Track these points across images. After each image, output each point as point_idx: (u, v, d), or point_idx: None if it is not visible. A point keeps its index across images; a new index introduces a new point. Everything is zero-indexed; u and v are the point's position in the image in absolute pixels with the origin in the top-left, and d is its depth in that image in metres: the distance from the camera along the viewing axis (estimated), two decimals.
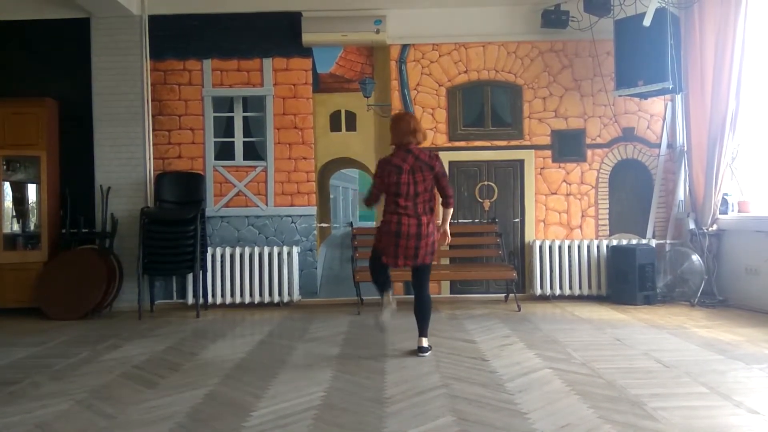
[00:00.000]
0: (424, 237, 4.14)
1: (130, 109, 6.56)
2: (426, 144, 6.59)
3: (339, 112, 6.73)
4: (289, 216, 6.67)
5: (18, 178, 6.46)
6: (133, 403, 3.33)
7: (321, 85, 6.69)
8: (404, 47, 6.67)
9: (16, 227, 6.49)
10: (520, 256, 6.63)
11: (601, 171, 6.68)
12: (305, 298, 6.63)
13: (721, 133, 5.87)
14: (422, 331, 4.31)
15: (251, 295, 6.49)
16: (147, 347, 4.71)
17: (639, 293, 6.13)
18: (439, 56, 6.69)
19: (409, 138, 4.17)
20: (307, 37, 6.45)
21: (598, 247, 6.53)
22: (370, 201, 4.34)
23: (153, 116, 6.61)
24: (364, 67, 6.71)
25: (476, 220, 6.68)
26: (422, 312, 4.30)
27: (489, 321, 5.51)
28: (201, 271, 6.26)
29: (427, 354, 4.27)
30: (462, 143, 6.69)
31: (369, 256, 4.44)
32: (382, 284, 4.36)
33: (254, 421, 3.01)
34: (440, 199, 4.34)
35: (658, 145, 6.66)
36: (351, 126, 6.71)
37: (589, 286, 6.52)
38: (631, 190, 6.68)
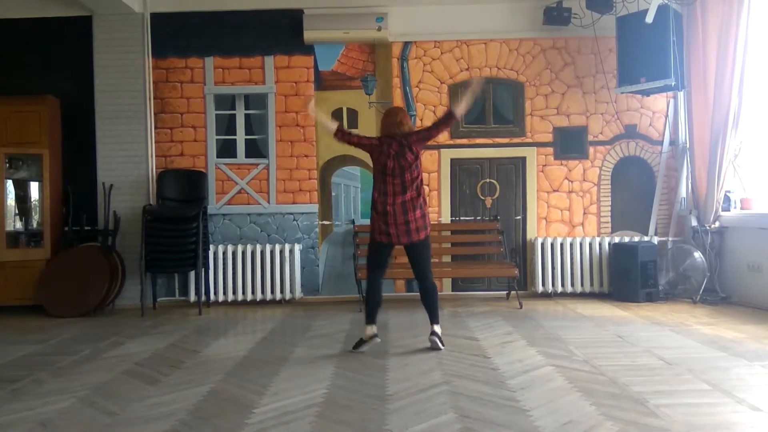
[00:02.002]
0: (411, 211, 4.25)
1: (132, 106, 6.56)
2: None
3: (341, 109, 6.72)
4: (291, 213, 6.67)
5: (20, 175, 6.47)
6: (135, 401, 3.33)
7: (323, 82, 6.69)
8: (406, 44, 6.66)
9: (18, 225, 6.50)
10: (521, 253, 6.62)
11: (603, 168, 6.67)
12: (307, 295, 6.63)
13: (723, 130, 5.85)
14: (432, 319, 4.37)
15: (253, 292, 6.50)
16: (149, 344, 4.71)
17: (641, 290, 6.12)
18: (441, 53, 6.68)
19: (394, 129, 4.36)
20: (308, 35, 6.44)
21: (600, 244, 6.52)
22: (342, 135, 4.40)
23: (155, 114, 6.62)
24: (366, 65, 6.70)
25: (478, 218, 6.67)
26: (427, 300, 4.37)
27: (491, 318, 5.51)
28: (203, 269, 6.27)
29: (439, 343, 4.27)
30: (464, 141, 6.68)
31: (367, 252, 4.51)
32: (371, 305, 4.35)
33: (256, 418, 3.01)
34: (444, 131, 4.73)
35: (661, 142, 6.65)
36: (353, 123, 6.70)
37: (591, 284, 6.52)
38: (634, 188, 6.66)
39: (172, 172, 6.56)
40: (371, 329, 4.33)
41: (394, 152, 4.26)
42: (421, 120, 6.63)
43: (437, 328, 4.36)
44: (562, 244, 6.53)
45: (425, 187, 4.56)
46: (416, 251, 4.35)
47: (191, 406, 3.21)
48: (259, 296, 6.50)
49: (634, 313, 5.60)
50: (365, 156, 6.60)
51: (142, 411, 3.17)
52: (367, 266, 4.48)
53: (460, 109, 4.33)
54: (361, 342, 4.33)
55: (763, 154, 6.02)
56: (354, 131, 4.56)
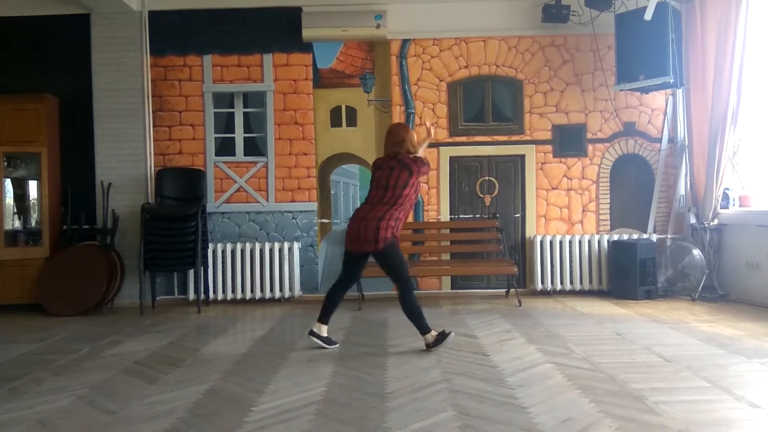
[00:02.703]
0: (369, 221, 4.13)
1: (130, 105, 6.56)
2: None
3: (339, 107, 6.71)
4: (290, 212, 6.67)
5: (19, 174, 6.46)
6: (134, 399, 3.33)
7: (321, 80, 6.68)
8: (405, 42, 6.65)
9: (17, 224, 6.49)
10: (520, 251, 6.63)
11: (602, 166, 6.67)
12: (306, 293, 6.63)
13: (722, 128, 5.85)
14: (419, 331, 4.26)
15: (252, 290, 6.50)
16: (148, 343, 4.71)
17: (640, 288, 6.13)
18: (440, 51, 6.67)
19: (396, 148, 4.33)
20: (307, 33, 6.43)
21: (599, 242, 6.52)
22: None
23: (153, 112, 6.61)
24: (365, 63, 6.69)
25: (477, 216, 6.67)
26: (406, 316, 4.26)
27: (490, 316, 5.51)
28: (202, 267, 6.26)
29: (433, 349, 4.21)
30: (463, 138, 6.68)
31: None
32: (329, 302, 4.40)
33: (255, 416, 3.01)
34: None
35: (659, 140, 6.65)
36: (351, 121, 6.70)
37: (590, 281, 6.52)
38: (632, 185, 6.67)
39: (171, 170, 6.55)
40: (320, 328, 4.37)
41: (388, 166, 4.28)
42: (420, 117, 6.63)
43: (426, 338, 4.21)
44: (561, 242, 6.54)
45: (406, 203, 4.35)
46: (377, 260, 4.26)
47: (191, 405, 3.21)
48: (258, 294, 6.50)
49: (633, 311, 5.60)
50: (365, 154, 6.66)
51: (142, 409, 3.17)
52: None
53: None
54: (313, 334, 4.36)
55: (761, 152, 6.02)
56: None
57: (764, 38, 5.80)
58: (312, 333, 4.38)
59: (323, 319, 4.42)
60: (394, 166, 4.27)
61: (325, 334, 4.39)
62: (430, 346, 4.22)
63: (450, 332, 4.27)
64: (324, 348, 4.34)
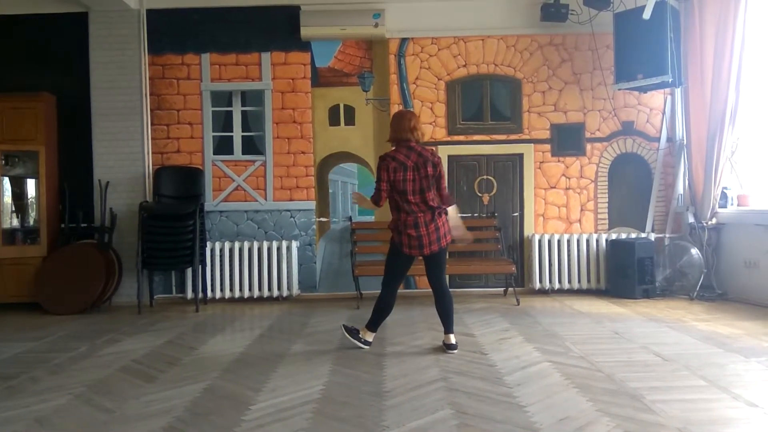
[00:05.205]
0: (438, 217, 4.11)
1: (128, 103, 6.55)
2: (424, 139, 6.62)
3: (338, 106, 6.71)
4: (288, 210, 6.66)
5: (17, 173, 6.46)
6: (132, 398, 3.33)
7: (320, 79, 6.68)
8: (403, 41, 6.65)
9: (15, 222, 6.48)
10: (519, 250, 6.63)
11: (601, 165, 6.67)
12: (304, 292, 6.63)
13: (720, 127, 5.86)
14: (448, 327, 4.22)
15: (250, 289, 6.49)
16: (146, 342, 4.71)
17: (638, 287, 6.13)
18: (438, 50, 6.67)
19: (407, 135, 4.15)
20: (305, 31, 6.42)
21: (597, 241, 6.53)
22: (379, 200, 4.17)
23: (151, 111, 6.60)
24: (363, 61, 6.69)
25: (475, 215, 6.67)
26: (446, 308, 4.22)
27: (488, 315, 5.51)
28: (200, 266, 6.25)
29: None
30: (461, 137, 6.68)
31: (387, 263, 4.29)
32: (384, 315, 4.28)
33: (253, 414, 3.01)
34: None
35: (658, 139, 6.65)
36: (350, 120, 6.69)
37: (588, 280, 6.53)
38: (631, 184, 6.67)
39: (169, 169, 6.55)
40: (371, 336, 4.33)
41: (412, 163, 4.06)
42: (419, 116, 6.61)
43: (453, 338, 4.19)
44: (559, 241, 6.54)
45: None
46: (437, 258, 4.19)
47: (188, 403, 3.20)
48: (256, 293, 6.50)
49: (631, 310, 5.61)
50: (364, 153, 6.66)
51: (139, 408, 3.16)
52: (390, 277, 4.28)
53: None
54: (357, 334, 4.30)
55: (760, 151, 6.03)
56: (374, 191, 4.20)
57: (763, 37, 5.80)
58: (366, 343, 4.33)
59: (375, 328, 4.34)
60: (419, 165, 4.05)
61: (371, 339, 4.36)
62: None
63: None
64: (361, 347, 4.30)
